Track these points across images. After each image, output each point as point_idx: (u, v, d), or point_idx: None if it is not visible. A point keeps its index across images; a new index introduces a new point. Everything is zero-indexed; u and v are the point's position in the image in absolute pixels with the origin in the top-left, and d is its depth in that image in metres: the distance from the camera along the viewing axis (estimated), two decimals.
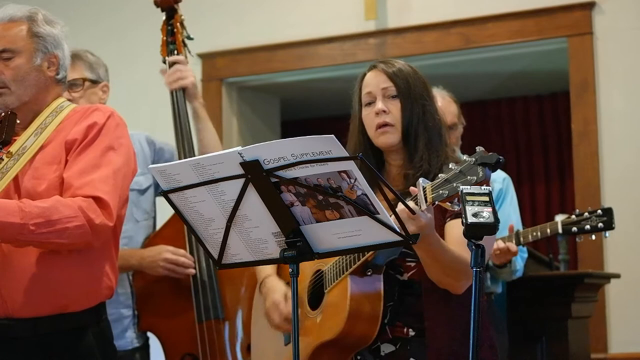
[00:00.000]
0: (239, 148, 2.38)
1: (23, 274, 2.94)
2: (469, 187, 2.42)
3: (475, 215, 2.36)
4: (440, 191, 2.49)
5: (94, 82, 3.97)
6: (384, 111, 2.90)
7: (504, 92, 7.84)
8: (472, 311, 2.38)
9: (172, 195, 2.53)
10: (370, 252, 2.76)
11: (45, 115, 3.10)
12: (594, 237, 3.90)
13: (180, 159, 3.97)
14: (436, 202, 2.51)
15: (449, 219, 2.82)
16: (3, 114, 2.91)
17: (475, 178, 2.47)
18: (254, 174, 2.41)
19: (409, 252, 2.82)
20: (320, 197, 2.42)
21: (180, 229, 3.92)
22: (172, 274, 3.88)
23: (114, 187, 2.96)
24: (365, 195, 2.39)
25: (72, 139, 3.02)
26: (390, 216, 2.45)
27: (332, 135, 2.32)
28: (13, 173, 2.98)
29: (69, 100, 3.26)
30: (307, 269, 3.01)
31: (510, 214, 4.22)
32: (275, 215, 2.48)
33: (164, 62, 4.11)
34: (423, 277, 2.82)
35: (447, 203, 2.50)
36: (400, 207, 2.52)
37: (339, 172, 2.36)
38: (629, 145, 5.37)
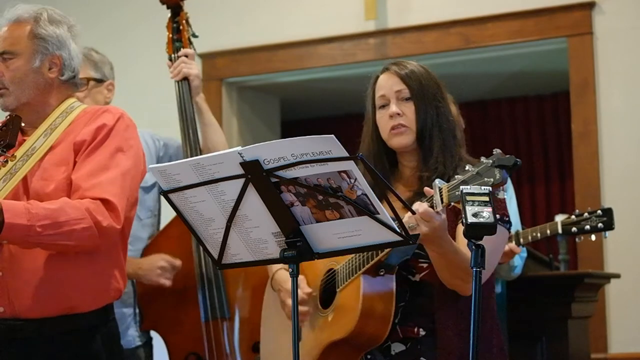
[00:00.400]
0: (239, 148, 2.39)
1: (30, 275, 2.93)
2: (469, 187, 2.42)
3: (475, 215, 2.37)
4: (457, 192, 2.50)
5: (99, 81, 3.98)
6: (398, 114, 2.91)
7: (504, 92, 7.82)
8: (472, 311, 2.38)
9: (172, 195, 2.53)
10: (384, 253, 2.76)
11: (55, 115, 3.09)
12: (593, 237, 3.90)
13: (186, 152, 3.99)
14: (452, 204, 2.53)
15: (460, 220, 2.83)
16: (7, 117, 2.90)
17: (492, 180, 2.48)
18: (254, 174, 2.41)
19: (422, 253, 2.83)
20: (320, 197, 2.42)
21: (186, 227, 3.92)
22: (167, 283, 3.87)
23: (122, 190, 2.95)
24: (365, 195, 2.39)
25: (81, 141, 3.01)
26: (406, 218, 2.46)
27: (332, 135, 2.32)
28: (22, 174, 2.97)
29: None
30: (320, 267, 3.01)
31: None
32: (275, 215, 2.48)
33: (170, 59, 4.12)
34: (435, 278, 2.83)
35: None
36: (422, 207, 2.55)
37: (339, 172, 2.36)
38: (629, 145, 5.37)
